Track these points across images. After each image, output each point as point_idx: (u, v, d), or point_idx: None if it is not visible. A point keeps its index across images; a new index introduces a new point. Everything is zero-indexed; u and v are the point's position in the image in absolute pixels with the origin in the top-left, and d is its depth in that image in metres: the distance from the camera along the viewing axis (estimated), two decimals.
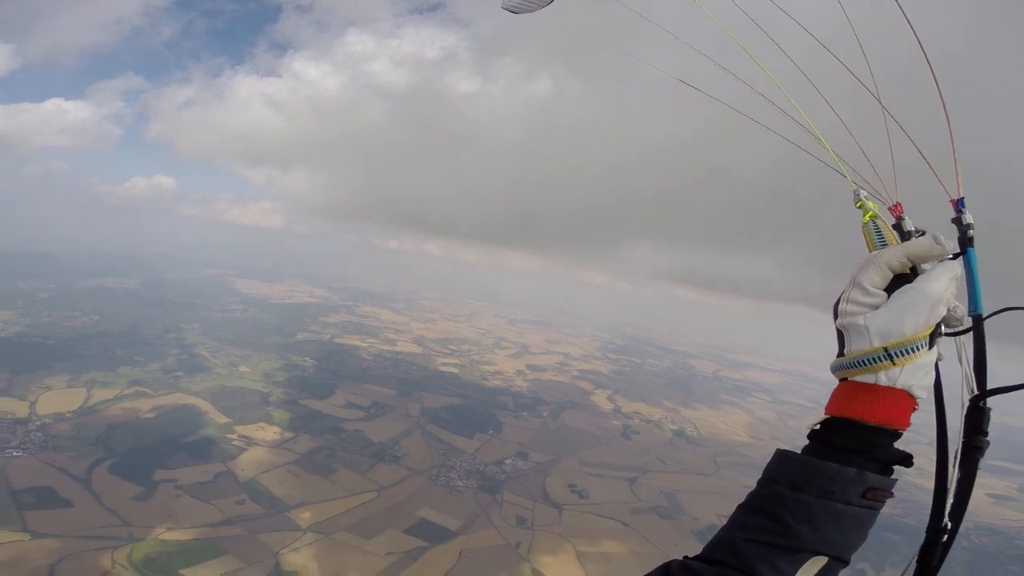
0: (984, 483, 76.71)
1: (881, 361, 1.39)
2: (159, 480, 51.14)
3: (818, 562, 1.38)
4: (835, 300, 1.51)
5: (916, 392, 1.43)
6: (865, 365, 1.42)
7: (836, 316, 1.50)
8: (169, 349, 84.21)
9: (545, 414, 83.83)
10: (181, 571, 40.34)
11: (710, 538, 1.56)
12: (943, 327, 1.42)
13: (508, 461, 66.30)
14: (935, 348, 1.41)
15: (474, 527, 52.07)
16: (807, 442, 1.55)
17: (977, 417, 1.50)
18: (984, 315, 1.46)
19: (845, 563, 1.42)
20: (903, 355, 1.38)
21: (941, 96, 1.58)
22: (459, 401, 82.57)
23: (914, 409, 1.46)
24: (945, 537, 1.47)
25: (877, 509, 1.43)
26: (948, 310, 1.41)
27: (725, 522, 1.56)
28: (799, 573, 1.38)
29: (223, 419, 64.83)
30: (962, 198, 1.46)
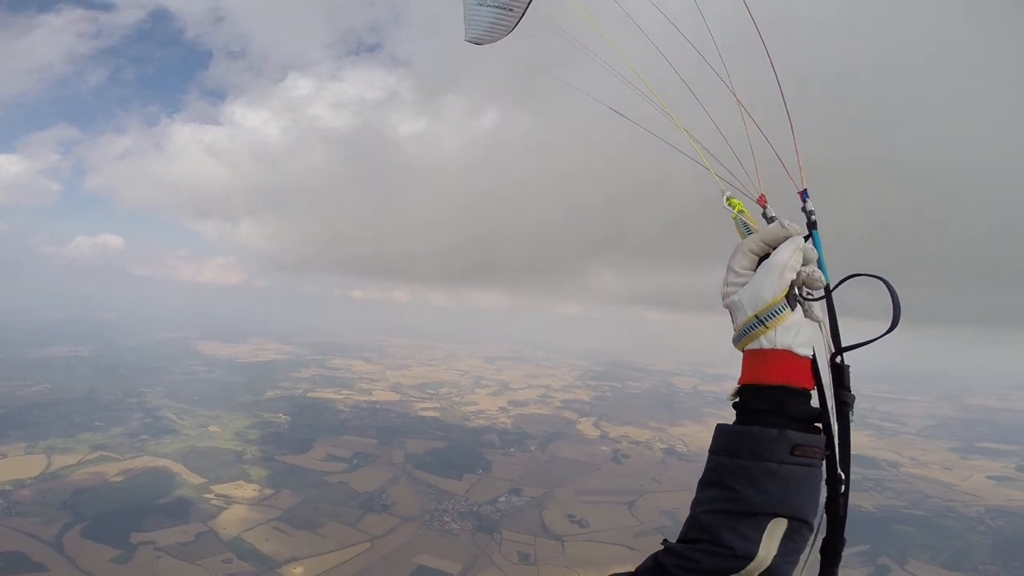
0: (981, 466, 78.86)
1: (757, 327, 1.58)
2: (137, 543, 48.01)
3: (779, 524, 1.44)
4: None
5: (798, 350, 1.57)
6: (748, 333, 1.60)
7: (722, 300, 1.71)
8: (131, 413, 79.62)
9: (533, 448, 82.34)
10: None
11: None
12: (805, 292, 1.64)
13: (502, 498, 64.45)
14: (797, 310, 1.60)
15: (475, 568, 50.18)
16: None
17: (839, 373, 1.63)
18: (831, 285, 1.68)
19: (807, 524, 1.49)
20: (771, 317, 1.56)
21: (785, 102, 1.91)
22: (443, 444, 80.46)
23: (800, 365, 1.58)
24: (843, 487, 1.59)
25: (814, 466, 1.51)
26: (800, 275, 1.61)
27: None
28: (764, 537, 1.43)
29: (197, 479, 61.18)
30: (805, 190, 1.73)
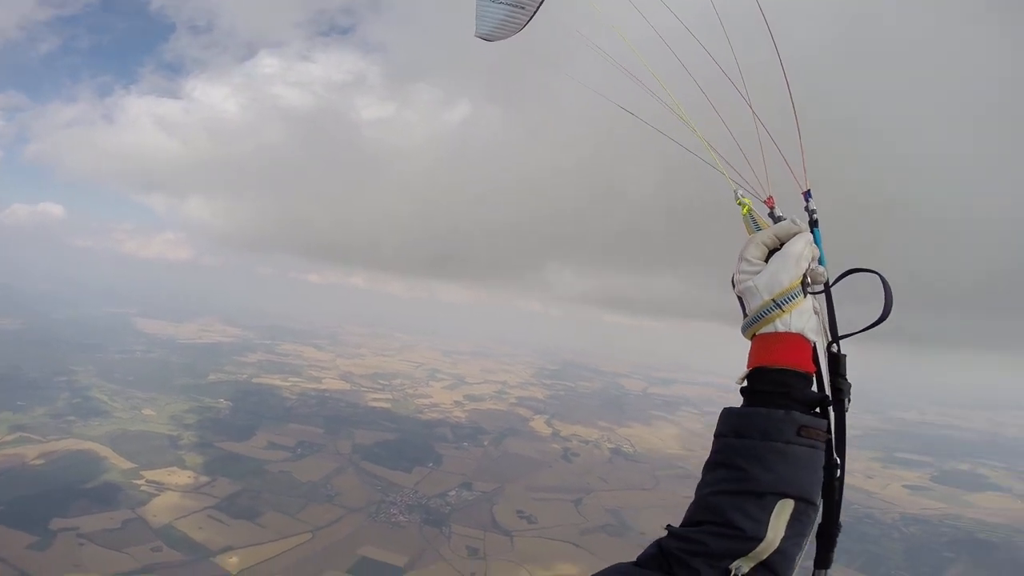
0: (899, 475, 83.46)
1: (773, 310, 1.64)
2: (57, 529, 45.01)
3: (786, 505, 1.47)
4: (730, 278, 1.82)
5: (807, 335, 1.64)
6: (763, 317, 1.66)
7: (734, 287, 1.79)
8: (58, 392, 74.58)
9: (486, 443, 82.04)
10: None
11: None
12: (811, 285, 1.71)
13: (452, 492, 63.84)
14: (809, 298, 1.69)
15: (423, 562, 49.37)
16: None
17: (835, 362, 1.72)
18: (831, 280, 1.78)
19: (813, 506, 1.52)
20: (787, 301, 1.63)
21: (793, 105, 2.06)
22: (393, 436, 78.99)
23: (810, 351, 1.66)
24: (839, 472, 1.64)
25: (818, 448, 1.55)
26: (809, 267, 1.69)
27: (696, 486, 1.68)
28: (772, 518, 1.45)
29: (127, 464, 57.82)
30: (808, 190, 1.86)
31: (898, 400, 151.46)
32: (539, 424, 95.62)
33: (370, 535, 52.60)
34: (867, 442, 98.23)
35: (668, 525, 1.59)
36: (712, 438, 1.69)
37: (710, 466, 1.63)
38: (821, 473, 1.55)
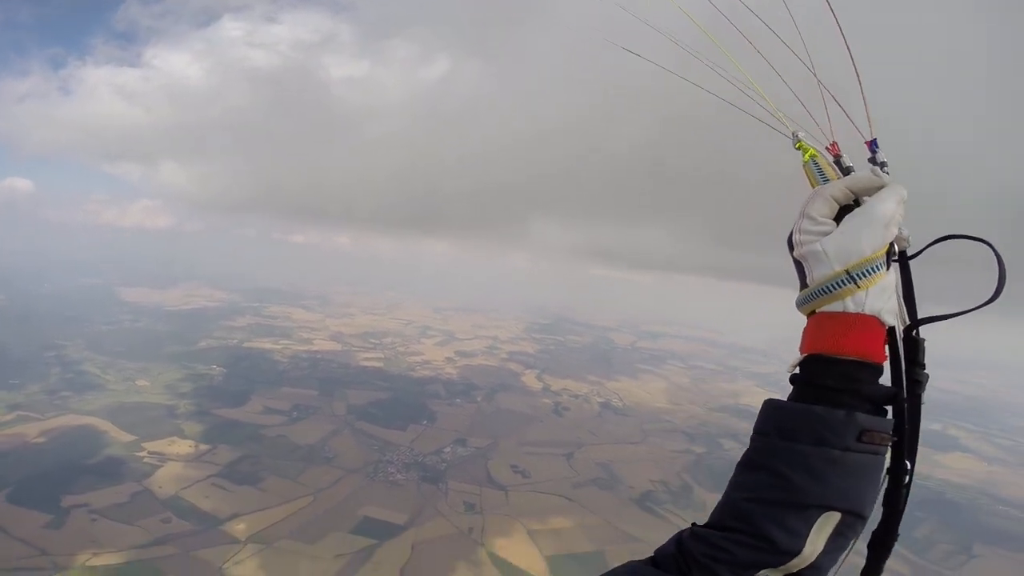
0: None
1: (845, 285, 1.36)
2: (69, 506, 46.14)
3: (831, 518, 1.30)
4: (787, 236, 1.52)
5: (884, 317, 1.38)
6: (830, 292, 1.38)
7: (792, 248, 1.49)
8: (49, 368, 74.82)
9: (479, 399, 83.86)
10: None
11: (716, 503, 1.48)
12: (895, 248, 1.45)
13: (447, 449, 65.58)
14: (892, 270, 1.42)
15: (422, 519, 51.13)
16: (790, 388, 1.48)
17: (913, 348, 1.46)
18: (911, 250, 1.49)
19: (862, 519, 1.34)
20: (865, 276, 1.36)
21: (846, 42, 1.68)
22: (387, 395, 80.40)
23: (884, 337, 1.39)
24: (907, 478, 1.44)
25: (880, 454, 1.34)
26: (899, 232, 1.42)
27: (727, 484, 1.47)
28: (813, 532, 1.30)
29: (127, 437, 58.64)
30: (875, 139, 1.54)
31: None
32: (530, 379, 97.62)
33: (370, 495, 54.37)
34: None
35: (693, 523, 1.47)
36: (751, 433, 1.47)
37: (747, 466, 1.42)
38: (879, 481, 1.37)
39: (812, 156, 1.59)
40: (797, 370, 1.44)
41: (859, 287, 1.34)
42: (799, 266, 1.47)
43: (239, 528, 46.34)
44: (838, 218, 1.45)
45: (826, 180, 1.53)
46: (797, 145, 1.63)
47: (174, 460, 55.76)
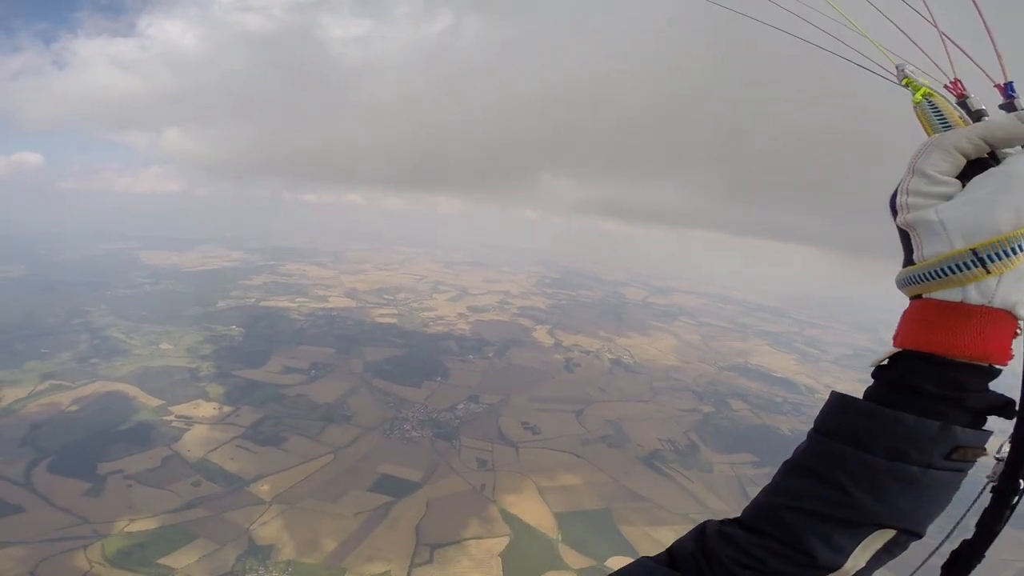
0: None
1: (969, 268, 1.06)
2: (105, 473, 48.81)
3: (883, 535, 1.12)
4: (890, 195, 1.20)
5: (1020, 311, 1.08)
6: (947, 275, 1.08)
7: (895, 213, 1.19)
8: (77, 336, 77.39)
9: (491, 355, 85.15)
10: (159, 560, 39.54)
11: (751, 499, 1.29)
12: None
13: (460, 406, 67.26)
14: None
15: (436, 475, 53.15)
16: (868, 381, 1.23)
17: None
18: None
19: (918, 537, 1.14)
20: (999, 258, 1.04)
21: None
22: (402, 351, 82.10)
23: (1016, 335, 1.11)
24: (1017, 499, 1.18)
25: (964, 472, 1.11)
26: None
27: (769, 481, 1.27)
28: (858, 548, 1.13)
29: (155, 401, 61.33)
30: (1011, 83, 1.19)
31: (893, 320, 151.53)
32: (541, 334, 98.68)
33: (387, 452, 56.50)
34: (855, 362, 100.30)
35: (720, 521, 1.30)
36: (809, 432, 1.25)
37: (795, 469, 1.22)
38: (950, 501, 1.15)
39: (926, 95, 1.25)
40: (886, 362, 1.19)
41: (989, 272, 1.05)
42: (904, 235, 1.19)
43: (264, 489, 48.84)
44: (963, 177, 1.14)
45: (947, 126, 1.20)
46: (904, 82, 1.30)
47: (200, 423, 58.37)
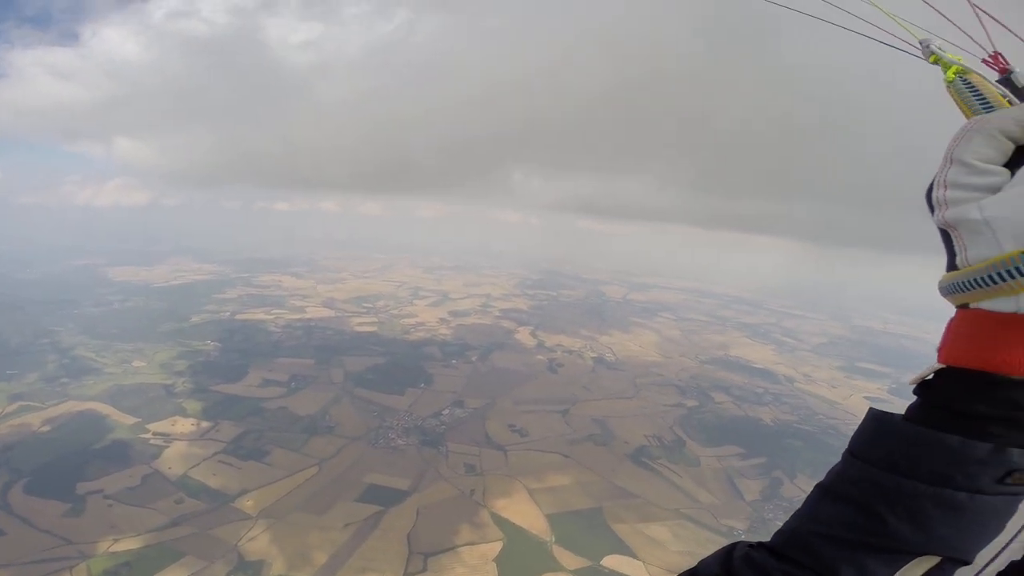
0: (860, 386, 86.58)
1: (1022, 275, 0.92)
2: (84, 493, 47.38)
3: (925, 562, 1.03)
4: (926, 188, 1.07)
5: None
6: (996, 283, 0.96)
7: (932, 209, 1.06)
8: (45, 355, 74.81)
9: (474, 359, 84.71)
10: None
11: (782, 524, 1.21)
12: None
13: (445, 411, 66.63)
14: None
15: (425, 483, 52.51)
16: (912, 397, 1.12)
17: None
18: None
19: (966, 564, 1.04)
20: None
21: None
22: (383, 360, 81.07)
23: None
24: None
25: (1020, 496, 0.99)
26: None
27: (800, 505, 1.18)
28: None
29: (130, 420, 59.57)
30: None
31: (865, 307, 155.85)
32: (524, 336, 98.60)
33: (373, 462, 55.53)
34: (831, 350, 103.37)
35: (749, 544, 1.22)
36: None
37: (829, 495, 1.13)
38: (1004, 527, 1.01)
39: (959, 73, 1.10)
40: (930, 376, 1.07)
41: None
42: (945, 235, 1.05)
43: (249, 504, 47.67)
44: (1011, 165, 1.00)
45: (989, 107, 1.09)
46: (932, 59, 1.15)
47: (179, 440, 56.77)
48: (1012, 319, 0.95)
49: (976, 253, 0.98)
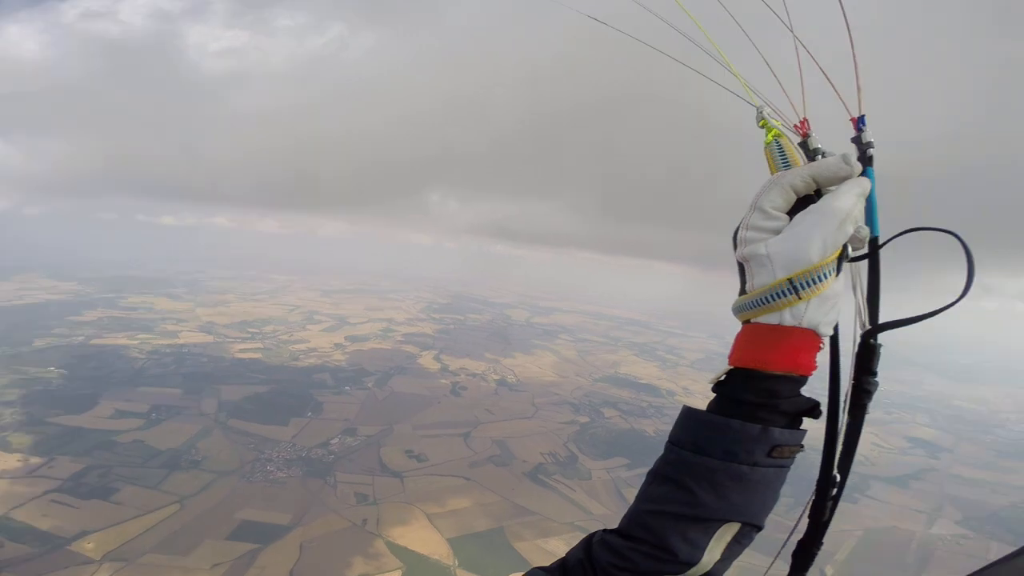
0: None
1: (786, 295, 1.20)
2: None
3: (730, 528, 1.29)
4: (734, 229, 1.31)
5: (822, 330, 1.24)
6: (769, 303, 1.23)
7: (735, 246, 1.31)
8: None
9: (370, 385, 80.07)
10: None
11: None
12: (849, 250, 1.25)
13: (335, 440, 61.64)
14: (841, 276, 1.24)
15: (309, 516, 47.45)
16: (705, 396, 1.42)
17: (867, 356, 1.32)
18: (880, 240, 1.29)
19: (758, 528, 1.32)
20: (809, 286, 1.19)
21: (844, 13, 1.41)
22: (265, 388, 74.03)
23: (819, 349, 1.28)
24: (835, 490, 1.38)
25: (785, 467, 1.29)
26: (854, 230, 1.22)
27: (639, 491, 1.42)
28: (712, 542, 1.29)
29: None
30: (863, 116, 1.31)
31: (738, 326, 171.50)
32: (427, 360, 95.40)
33: (247, 497, 49.52)
34: (707, 365, 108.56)
35: (604, 530, 1.39)
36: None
37: (656, 478, 1.35)
38: (780, 490, 1.29)
39: (776, 136, 1.34)
40: (723, 377, 1.33)
41: (800, 298, 1.19)
42: (740, 267, 1.30)
43: (89, 547, 40.19)
44: (794, 210, 1.24)
45: (787, 165, 1.31)
46: (761, 123, 1.37)
47: None
48: (775, 329, 1.23)
49: (760, 280, 1.24)
